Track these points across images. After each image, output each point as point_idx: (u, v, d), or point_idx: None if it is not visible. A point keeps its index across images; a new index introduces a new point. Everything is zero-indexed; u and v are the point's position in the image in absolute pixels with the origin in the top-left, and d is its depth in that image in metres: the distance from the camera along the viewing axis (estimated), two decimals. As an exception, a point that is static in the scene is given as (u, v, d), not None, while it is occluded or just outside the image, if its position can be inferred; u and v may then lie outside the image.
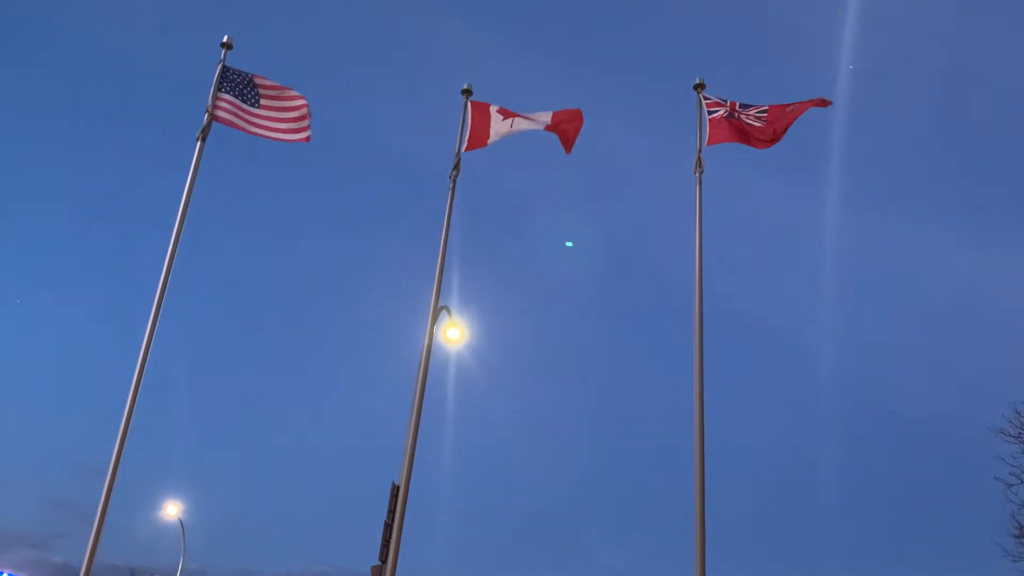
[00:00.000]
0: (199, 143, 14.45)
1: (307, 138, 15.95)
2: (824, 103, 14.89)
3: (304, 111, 15.94)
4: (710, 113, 15.10)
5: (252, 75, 15.45)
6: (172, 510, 43.51)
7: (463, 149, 16.06)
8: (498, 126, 16.18)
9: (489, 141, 16.22)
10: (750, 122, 14.98)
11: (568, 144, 16.29)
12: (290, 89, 16.00)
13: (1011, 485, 25.04)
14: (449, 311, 15.54)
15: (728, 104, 15.22)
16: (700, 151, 14.98)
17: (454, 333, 15.82)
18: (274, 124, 15.54)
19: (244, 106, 15.14)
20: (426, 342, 14.54)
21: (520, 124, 16.18)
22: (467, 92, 16.46)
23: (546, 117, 16.23)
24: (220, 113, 14.83)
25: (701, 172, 14.89)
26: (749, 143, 15.00)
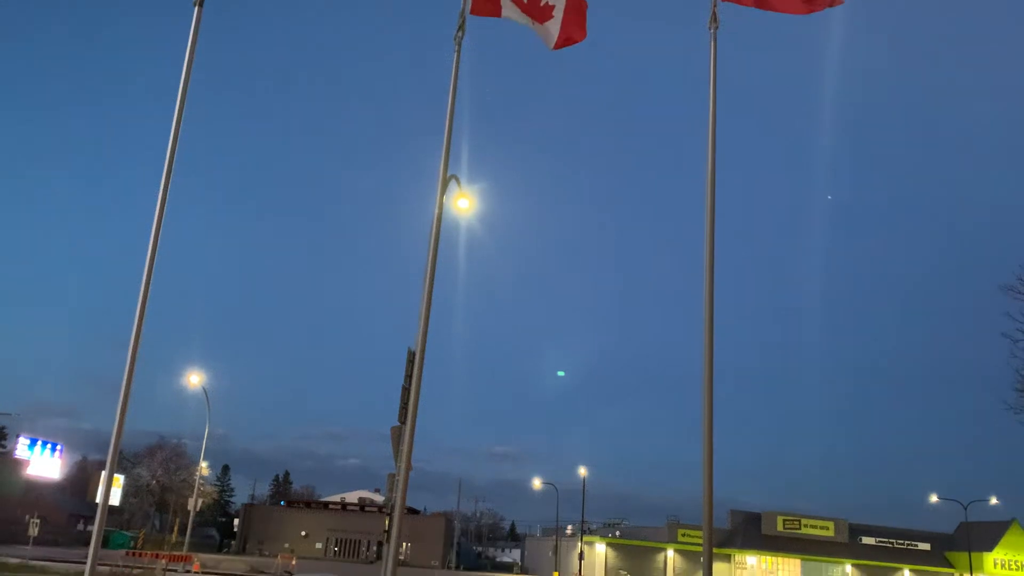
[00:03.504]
0: (196, 9, 13.90)
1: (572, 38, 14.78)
2: None
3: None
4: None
5: None
6: (195, 379, 44.95)
7: (468, 11, 15.39)
8: (510, 10, 15.36)
9: (503, 14, 15.42)
10: None
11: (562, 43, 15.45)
12: None
13: (1017, 341, 25.37)
14: (458, 180, 15.40)
15: None
16: (715, 5, 14.32)
17: (464, 203, 15.73)
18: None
19: None
20: (436, 212, 14.50)
21: (538, 28, 15.30)
22: (471, -53, 15.60)
23: (558, 20, 15.27)
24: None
25: (716, 28, 14.27)
26: (772, 8, 14.22)
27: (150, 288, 12.45)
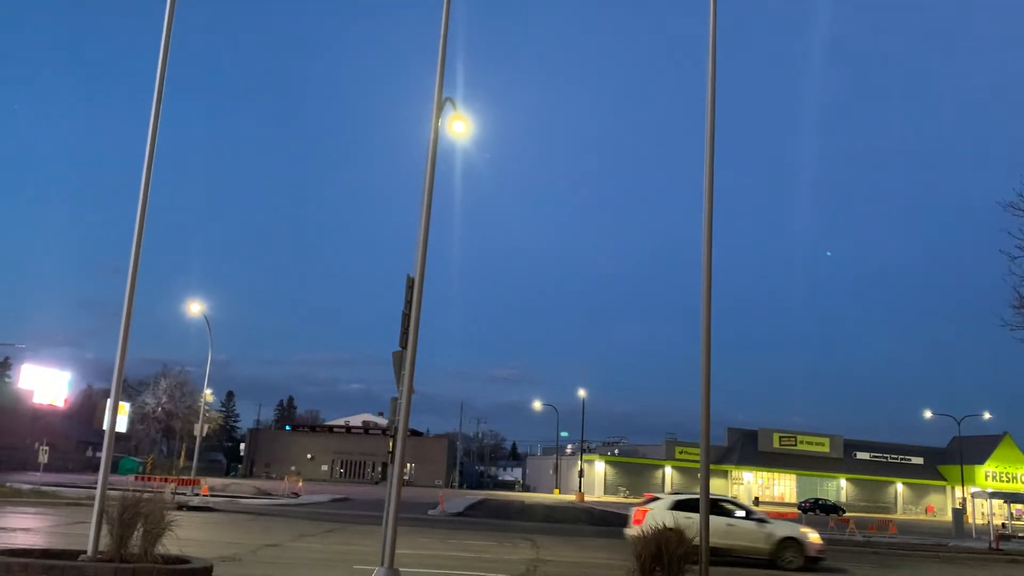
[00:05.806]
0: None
1: None
2: None
3: None
4: None
5: None
6: (196, 308, 45.05)
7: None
8: None
9: None
10: None
11: None
12: None
13: (1015, 258, 25.36)
14: (454, 103, 15.12)
15: None
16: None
17: (460, 126, 15.46)
18: None
19: None
20: (432, 136, 14.30)
21: None
22: None
23: None
24: None
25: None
26: None
27: (146, 214, 12.37)
